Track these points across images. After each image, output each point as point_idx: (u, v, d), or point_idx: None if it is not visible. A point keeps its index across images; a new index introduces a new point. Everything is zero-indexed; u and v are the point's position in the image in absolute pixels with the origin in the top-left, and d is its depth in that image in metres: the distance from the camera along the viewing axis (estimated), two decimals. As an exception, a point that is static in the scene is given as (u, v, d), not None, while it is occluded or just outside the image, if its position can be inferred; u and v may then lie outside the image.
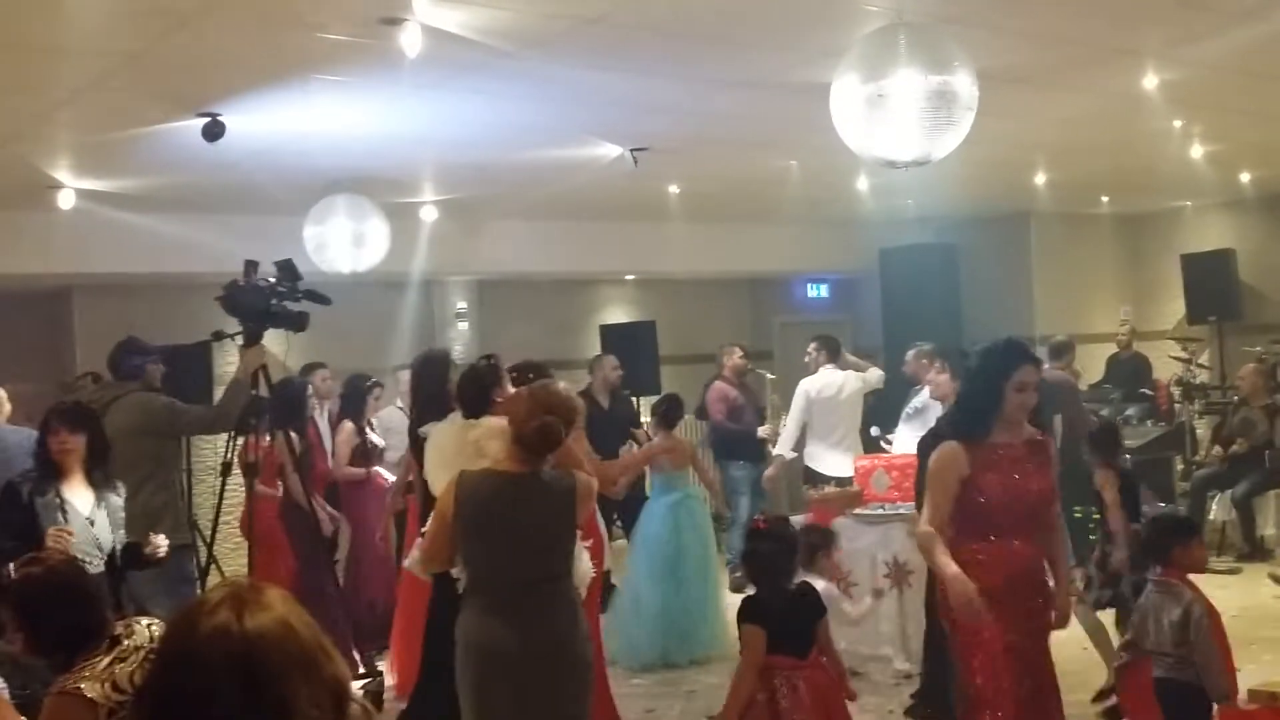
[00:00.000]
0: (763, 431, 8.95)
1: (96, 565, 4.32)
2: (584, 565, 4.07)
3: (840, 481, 7.63)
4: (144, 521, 4.87)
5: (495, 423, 4.01)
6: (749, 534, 4.55)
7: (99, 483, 4.54)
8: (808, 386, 8.39)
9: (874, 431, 7.84)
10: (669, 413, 7.34)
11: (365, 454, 7.60)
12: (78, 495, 4.49)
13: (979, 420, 3.92)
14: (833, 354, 8.59)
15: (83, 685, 2.67)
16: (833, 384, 8.37)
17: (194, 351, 7.80)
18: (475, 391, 4.98)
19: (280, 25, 4.54)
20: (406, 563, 5.37)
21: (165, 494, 5.56)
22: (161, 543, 4.44)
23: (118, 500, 4.59)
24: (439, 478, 4.54)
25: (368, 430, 7.73)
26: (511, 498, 3.67)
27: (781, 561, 4.22)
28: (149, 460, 5.50)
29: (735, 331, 11.18)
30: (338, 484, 7.50)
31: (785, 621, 4.08)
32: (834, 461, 8.14)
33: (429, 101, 5.78)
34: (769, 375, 9.38)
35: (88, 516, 4.44)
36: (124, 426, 5.33)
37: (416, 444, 5.87)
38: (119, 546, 4.47)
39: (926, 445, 6.08)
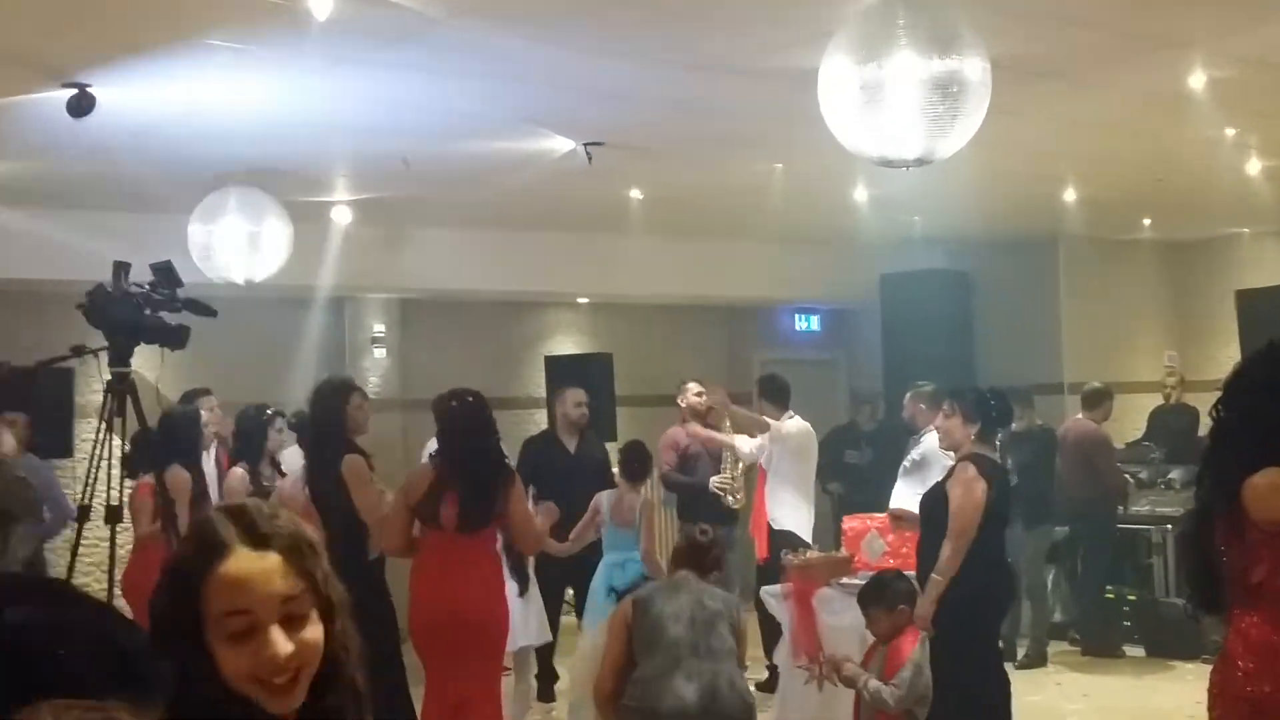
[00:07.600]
0: (715, 483, 8.70)
1: None
2: None
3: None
4: None
5: None
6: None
7: None
8: (790, 428, 8.37)
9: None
10: (628, 464, 7.43)
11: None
12: None
13: None
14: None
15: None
16: (808, 431, 8.48)
17: (51, 373, 7.69)
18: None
19: (163, -22, 4.56)
20: None
21: None
22: None
23: None
24: None
25: (268, 472, 7.36)
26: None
27: None
28: None
29: (709, 368, 11.19)
30: None
31: None
32: (805, 522, 8.18)
33: (343, 78, 5.81)
34: (728, 421, 9.16)
35: None
36: None
37: (318, 485, 5.86)
38: None
39: (930, 503, 6.14)
